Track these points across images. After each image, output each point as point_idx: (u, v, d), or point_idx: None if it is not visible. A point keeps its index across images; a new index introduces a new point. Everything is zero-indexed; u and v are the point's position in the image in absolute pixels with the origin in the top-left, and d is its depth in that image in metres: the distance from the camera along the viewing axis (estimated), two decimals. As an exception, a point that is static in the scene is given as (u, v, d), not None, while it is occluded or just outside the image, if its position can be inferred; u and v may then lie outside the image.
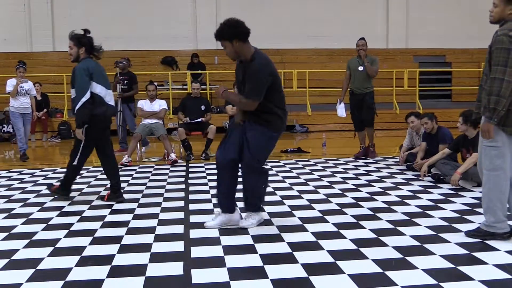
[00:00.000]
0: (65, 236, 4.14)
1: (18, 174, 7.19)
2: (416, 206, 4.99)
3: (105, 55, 14.50)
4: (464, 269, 3.28)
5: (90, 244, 3.92)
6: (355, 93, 8.20)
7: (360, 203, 5.15)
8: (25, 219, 4.72)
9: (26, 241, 4.02)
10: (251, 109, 4.14)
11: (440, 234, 4.03)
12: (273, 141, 4.32)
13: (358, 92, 8.15)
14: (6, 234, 4.23)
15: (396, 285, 3.05)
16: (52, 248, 3.85)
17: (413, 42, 16.62)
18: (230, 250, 3.73)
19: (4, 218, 4.77)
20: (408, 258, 3.50)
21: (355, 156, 8.33)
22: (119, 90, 9.22)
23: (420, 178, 6.31)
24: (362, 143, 8.41)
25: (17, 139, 8.80)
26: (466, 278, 3.15)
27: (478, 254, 3.55)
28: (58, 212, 4.96)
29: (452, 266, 3.35)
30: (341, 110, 8.41)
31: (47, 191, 5.85)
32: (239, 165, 4.30)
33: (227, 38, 4.11)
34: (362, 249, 3.70)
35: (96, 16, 15.34)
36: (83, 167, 5.63)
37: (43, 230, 4.34)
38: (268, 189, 5.80)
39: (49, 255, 3.68)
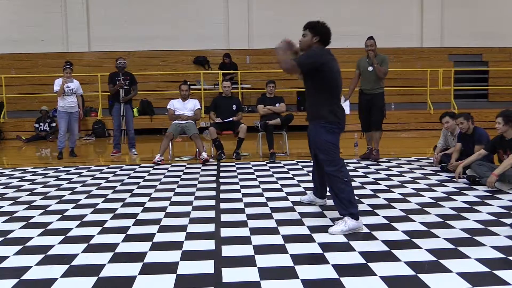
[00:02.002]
0: (98, 233, 4.22)
1: (54, 172, 7.36)
2: (450, 208, 4.89)
3: (139, 55, 14.67)
4: (500, 273, 3.20)
5: (122, 241, 3.98)
6: (364, 93, 8.03)
7: (393, 204, 5.07)
8: (60, 215, 4.83)
9: (61, 237, 4.11)
10: (287, 71, 4.24)
11: (475, 237, 3.94)
12: (329, 134, 4.33)
13: (367, 92, 7.98)
14: (42, 230, 4.34)
15: (430, 288, 3.00)
16: (86, 244, 3.92)
17: (448, 41, 16.28)
18: (261, 249, 3.73)
19: (40, 214, 4.89)
20: (442, 261, 3.43)
21: (361, 157, 8.24)
22: (122, 94, 8.99)
23: (455, 179, 6.18)
24: (369, 144, 8.26)
25: (58, 138, 9.03)
26: (503, 282, 3.07)
27: (515, 258, 3.46)
28: (92, 209, 5.05)
29: (488, 270, 3.27)
30: (345, 108, 8.20)
31: (82, 188, 5.99)
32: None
33: (313, 32, 4.36)
34: (394, 251, 3.65)
35: (130, 16, 15.60)
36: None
37: (77, 226, 4.43)
38: (299, 189, 5.81)
39: (83, 251, 3.76)
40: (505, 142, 5.84)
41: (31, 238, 4.11)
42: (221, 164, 7.88)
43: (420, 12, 16.37)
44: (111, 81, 9.07)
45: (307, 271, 3.29)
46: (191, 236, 4.09)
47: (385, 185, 6.03)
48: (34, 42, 15.39)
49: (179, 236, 4.09)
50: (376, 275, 3.21)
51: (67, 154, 9.03)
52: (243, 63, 15.14)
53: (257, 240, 3.96)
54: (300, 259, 3.52)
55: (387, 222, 4.43)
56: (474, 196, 5.40)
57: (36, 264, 3.50)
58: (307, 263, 3.44)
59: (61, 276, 3.27)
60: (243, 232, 4.18)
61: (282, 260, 3.50)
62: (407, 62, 15.41)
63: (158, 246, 3.86)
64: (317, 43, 4.36)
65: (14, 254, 3.71)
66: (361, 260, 3.48)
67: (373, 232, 4.11)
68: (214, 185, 6.21)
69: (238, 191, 5.83)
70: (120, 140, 9.27)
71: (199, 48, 15.48)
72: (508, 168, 5.48)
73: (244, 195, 5.60)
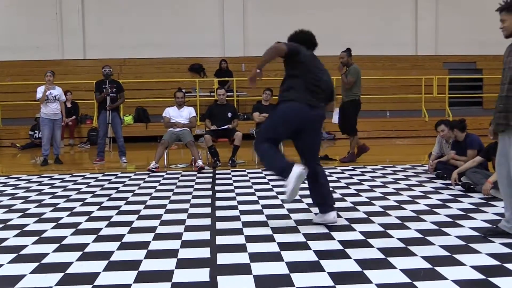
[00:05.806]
0: (93, 241, 4.20)
1: (48, 179, 7.33)
2: (445, 215, 4.90)
3: (134, 63, 14.63)
4: (496, 280, 3.20)
5: (117, 249, 3.97)
6: (343, 100, 8.77)
7: (388, 211, 5.08)
8: (55, 223, 4.80)
9: (55, 245, 4.09)
10: (276, 51, 4.72)
11: (470, 244, 3.95)
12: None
13: (343, 100, 8.71)
14: (36, 238, 4.31)
15: (425, 296, 3.00)
16: (81, 252, 3.90)
17: (442, 49, 16.38)
18: (256, 257, 3.72)
19: (35, 222, 4.87)
20: (437, 268, 3.43)
21: (341, 160, 8.80)
22: (109, 102, 8.97)
23: (450, 186, 6.19)
24: (355, 145, 8.87)
25: (42, 145, 9.02)
26: (498, 290, 3.08)
27: (510, 266, 3.46)
28: (87, 217, 5.03)
29: (483, 277, 3.27)
30: (334, 117, 8.76)
31: (77, 196, 5.97)
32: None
33: None
34: (390, 259, 3.65)
35: (125, 24, 15.62)
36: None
37: (72, 234, 4.41)
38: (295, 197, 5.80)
39: (77, 259, 3.74)
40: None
41: (25, 246, 4.08)
42: (217, 171, 7.87)
43: (415, 19, 16.46)
44: (98, 89, 9.09)
45: (303, 279, 3.28)
46: (186, 244, 4.07)
47: (381, 193, 6.04)
48: (29, 49, 15.36)
49: (174, 244, 4.07)
50: (371, 282, 3.21)
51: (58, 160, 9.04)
52: (239, 70, 15.16)
53: (253, 247, 3.95)
54: (296, 267, 3.51)
55: (382, 229, 4.43)
56: (469, 203, 5.42)
57: (31, 272, 3.48)
58: (303, 271, 3.43)
59: (55, 284, 3.25)
60: (239, 239, 4.17)
61: (277, 268, 3.49)
62: (401, 69, 15.47)
63: (153, 254, 3.84)
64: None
65: (8, 262, 3.69)
66: (356, 268, 3.48)
67: (369, 240, 4.11)
68: (210, 192, 6.20)
69: (233, 198, 5.82)
70: (104, 148, 9.23)
71: (195, 56, 15.48)
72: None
73: (240, 202, 5.60)
